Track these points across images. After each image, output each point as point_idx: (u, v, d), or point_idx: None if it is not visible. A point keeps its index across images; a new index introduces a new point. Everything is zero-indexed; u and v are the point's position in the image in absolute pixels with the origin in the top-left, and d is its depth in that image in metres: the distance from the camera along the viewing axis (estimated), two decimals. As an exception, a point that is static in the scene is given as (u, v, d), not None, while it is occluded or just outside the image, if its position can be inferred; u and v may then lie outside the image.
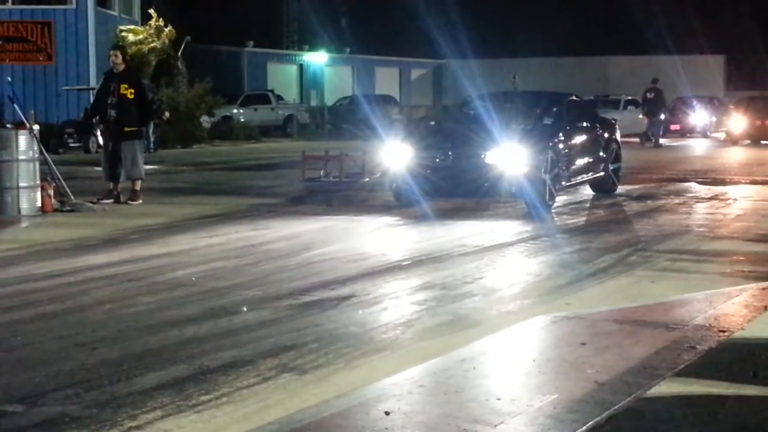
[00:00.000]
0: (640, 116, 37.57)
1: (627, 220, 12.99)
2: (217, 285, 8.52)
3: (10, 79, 16.86)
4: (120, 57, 15.44)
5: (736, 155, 27.07)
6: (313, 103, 53.18)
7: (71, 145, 30.76)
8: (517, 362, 6.11)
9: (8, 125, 14.94)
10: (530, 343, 6.66)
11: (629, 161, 18.33)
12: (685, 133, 38.79)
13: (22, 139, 13.84)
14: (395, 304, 7.84)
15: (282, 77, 54.05)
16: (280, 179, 19.39)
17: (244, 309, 7.53)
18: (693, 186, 17.64)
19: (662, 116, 33.81)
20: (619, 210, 14.27)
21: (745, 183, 17.96)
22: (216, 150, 33.27)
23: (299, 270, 9.27)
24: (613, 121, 17.36)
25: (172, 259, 10.01)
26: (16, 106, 15.17)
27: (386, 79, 59.71)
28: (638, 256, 9.94)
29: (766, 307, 7.54)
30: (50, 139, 26.95)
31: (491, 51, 50.93)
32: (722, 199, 15.32)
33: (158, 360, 6.05)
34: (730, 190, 16.59)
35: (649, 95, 33.35)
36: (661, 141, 33.42)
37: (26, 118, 14.38)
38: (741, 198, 15.44)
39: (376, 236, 11.91)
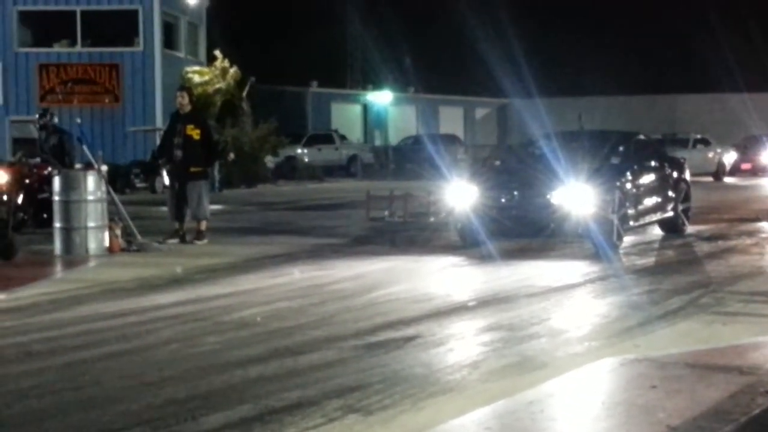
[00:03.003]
0: (709, 155, 37.16)
1: (697, 261, 12.78)
2: (282, 325, 8.51)
3: (79, 120, 17.08)
4: (186, 98, 15.59)
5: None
6: (377, 142, 53.35)
7: (138, 185, 31.16)
8: (586, 405, 5.99)
9: (78, 166, 15.14)
10: (599, 386, 6.54)
11: (699, 201, 18.08)
12: (757, 172, 38.25)
13: (91, 180, 14.01)
14: (461, 345, 7.76)
15: (346, 117, 54.33)
16: (344, 219, 19.42)
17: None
18: (766, 226, 17.32)
19: None
20: (689, 250, 14.05)
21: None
22: (280, 190, 33.47)
23: (364, 310, 9.23)
24: (682, 161, 17.14)
25: (238, 298, 10.02)
26: (85, 147, 15.37)
27: (450, 119, 59.72)
28: (709, 297, 9.74)
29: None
30: (117, 180, 27.32)
31: (556, 90, 50.81)
32: (795, 240, 15.02)
33: (224, 400, 6.03)
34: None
35: None
36: (729, 180, 32.89)
37: (94, 159, 14.57)
38: (815, 238, 15.13)
39: (441, 276, 11.84)
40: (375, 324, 8.48)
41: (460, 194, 14.17)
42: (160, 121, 34.25)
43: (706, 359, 7.07)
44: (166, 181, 18.85)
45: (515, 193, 13.74)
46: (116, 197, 14.91)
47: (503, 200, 13.75)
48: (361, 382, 6.47)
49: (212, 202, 17.23)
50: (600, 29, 59.22)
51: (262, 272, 11.96)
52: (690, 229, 16.10)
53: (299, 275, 11.72)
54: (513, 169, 15.28)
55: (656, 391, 6.16)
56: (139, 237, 14.46)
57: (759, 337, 7.81)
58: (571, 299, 9.98)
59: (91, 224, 13.88)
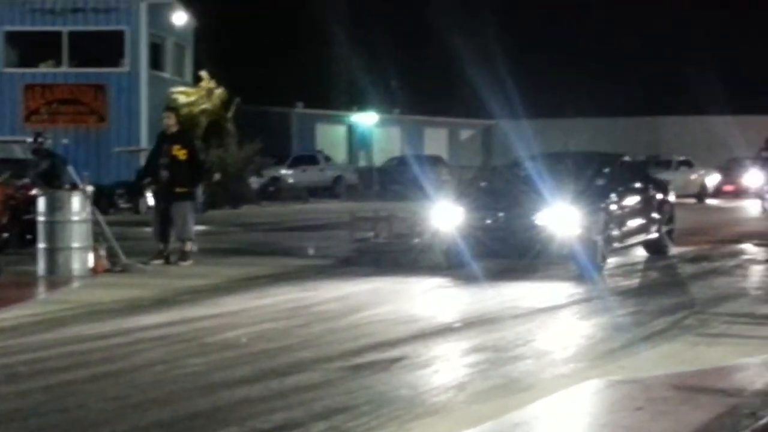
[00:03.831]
0: (692, 177, 37.28)
1: (681, 283, 12.83)
2: (267, 346, 8.49)
3: (66, 141, 17.09)
4: (173, 118, 15.59)
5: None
6: (362, 163, 53.39)
7: (122, 206, 31.07)
8: (572, 427, 6.00)
9: (66, 186, 15.10)
10: (584, 407, 6.55)
11: (682, 222, 18.14)
12: (740, 193, 38.39)
13: (76, 201, 13.97)
14: (447, 366, 7.77)
15: (331, 138, 54.38)
16: (329, 240, 19.39)
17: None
18: (748, 248, 17.39)
19: None
20: (673, 272, 14.10)
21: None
22: (264, 211, 33.42)
23: (349, 332, 9.23)
24: (667, 182, 17.21)
25: (223, 320, 10.00)
26: (70, 167, 15.34)
27: (435, 140, 59.84)
28: (693, 319, 9.77)
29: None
30: (101, 200, 27.23)
31: (541, 111, 50.96)
32: (779, 262, 15.08)
33: (210, 422, 6.02)
34: (786, 253, 16.33)
35: (764, 154, 31.78)
36: (712, 202, 32.96)
37: (80, 180, 14.53)
38: (798, 261, 15.19)
39: (426, 298, 11.85)
40: (360, 345, 8.48)
41: (445, 215, 14.19)
42: (145, 142, 34.21)
43: (692, 381, 7.08)
44: (150, 201, 18.81)
45: (500, 214, 13.77)
46: (101, 218, 14.87)
47: (488, 221, 13.77)
48: (348, 403, 6.46)
49: (196, 223, 17.17)
50: (585, 51, 59.49)
51: (247, 293, 11.94)
52: (674, 250, 16.15)
53: (284, 296, 11.69)
54: (498, 190, 15.32)
55: (642, 413, 6.17)
56: (123, 258, 14.42)
57: (743, 359, 7.83)
58: (556, 320, 10.00)
59: (75, 245, 13.83)
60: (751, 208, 31.10)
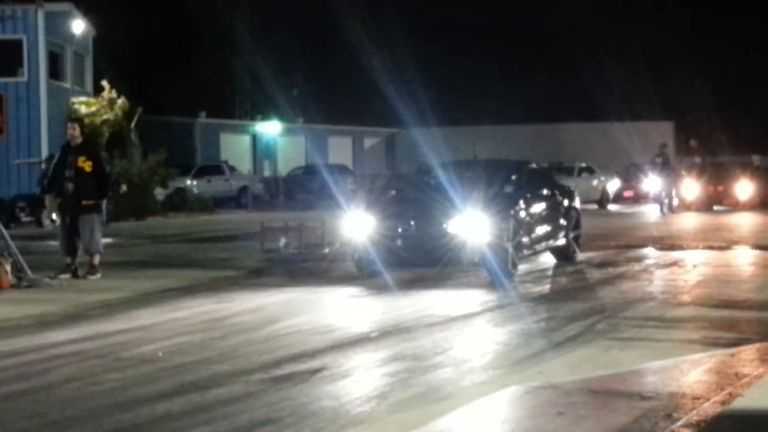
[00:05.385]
0: (594, 183, 37.93)
1: (590, 288, 13.04)
2: (184, 360, 8.41)
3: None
4: (78, 130, 15.35)
5: (691, 221, 27.35)
6: (267, 173, 53.19)
7: (23, 219, 30.43)
8: (496, 434, 6.06)
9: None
10: (507, 414, 6.63)
11: (586, 228, 18.40)
12: (639, 199, 39.21)
13: (-21, 214, 13.68)
14: (367, 376, 7.79)
15: (235, 148, 54.07)
16: (238, 251, 19.28)
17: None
18: (651, 252, 17.78)
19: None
20: (582, 277, 14.33)
21: (703, 249, 18.11)
22: (171, 222, 33.05)
23: (267, 343, 9.19)
24: (572, 189, 17.49)
25: (137, 334, 9.88)
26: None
27: (339, 149, 59.94)
28: (605, 323, 9.96)
29: (736, 374, 7.56)
30: (2, 214, 26.69)
31: (445, 119, 51.40)
32: (682, 266, 15.41)
33: (133, 439, 5.94)
34: (688, 256, 16.72)
35: (657, 160, 32.29)
36: (613, 207, 33.55)
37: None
38: (700, 264, 15.55)
39: (341, 308, 11.85)
40: (279, 357, 8.45)
41: (356, 224, 14.22)
42: (45, 153, 33.56)
43: (608, 385, 7.22)
44: (54, 216, 18.48)
45: (412, 222, 13.84)
46: (5, 231, 14.57)
47: (400, 230, 13.83)
48: (271, 416, 6.44)
49: (103, 236, 16.93)
50: (488, 60, 60.22)
51: (159, 306, 11.81)
52: (581, 256, 16.42)
53: (198, 308, 11.59)
54: (409, 198, 15.39)
55: (563, 417, 6.28)
56: (29, 272, 14.14)
57: (655, 362, 8.00)
58: (471, 328, 10.09)
59: (-21, 260, 13.53)
60: (651, 212, 31.80)
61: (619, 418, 6.24)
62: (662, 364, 7.92)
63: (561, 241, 15.89)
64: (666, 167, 31.70)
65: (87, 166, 15.02)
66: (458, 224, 13.49)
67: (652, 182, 34.19)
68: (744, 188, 35.20)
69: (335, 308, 11.78)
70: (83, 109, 36.30)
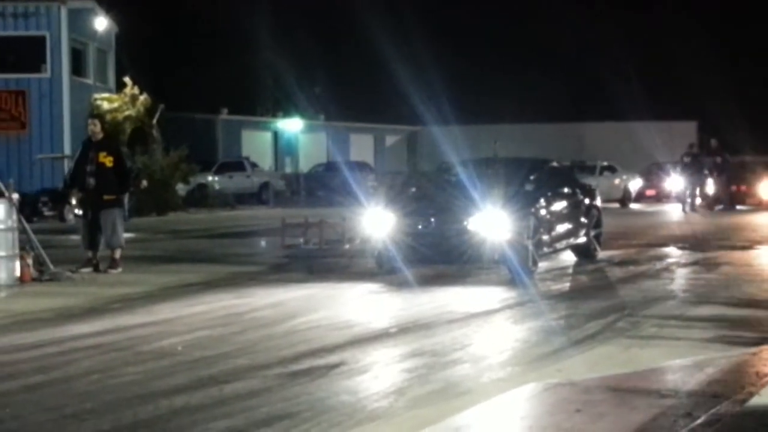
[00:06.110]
0: (616, 182, 37.82)
1: (611, 286, 12.99)
2: (204, 354, 8.43)
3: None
4: (99, 126, 15.44)
5: (713, 221, 27.21)
6: (288, 170, 53.27)
7: (46, 213, 30.61)
8: (513, 430, 6.05)
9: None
10: (525, 411, 6.61)
11: (608, 227, 18.37)
12: (661, 198, 39.08)
13: (1, 209, 13.75)
14: (385, 371, 7.78)
15: (257, 144, 54.18)
16: (259, 247, 19.36)
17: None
18: (673, 251, 17.70)
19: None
20: (602, 276, 14.28)
21: (725, 248, 18.01)
22: (192, 218, 33.18)
23: (286, 338, 9.20)
24: (593, 187, 17.43)
25: (156, 328, 9.91)
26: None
27: (361, 146, 59.97)
28: (625, 322, 9.91)
29: (757, 373, 7.52)
30: (25, 208, 26.77)
31: (466, 117, 51.31)
32: (704, 264, 15.35)
33: (151, 431, 5.95)
34: (710, 255, 16.63)
35: (686, 159, 32.06)
36: (636, 206, 33.47)
37: (5, 188, 14.30)
38: (722, 263, 15.47)
39: (360, 304, 11.86)
40: (298, 352, 8.46)
41: (376, 221, 14.22)
42: (68, 149, 33.75)
43: (627, 383, 7.19)
44: (76, 210, 18.56)
45: (432, 219, 13.83)
46: (27, 226, 14.65)
47: (420, 227, 13.83)
48: (288, 410, 6.44)
49: (124, 231, 16.98)
50: (510, 59, 60.10)
51: (179, 301, 11.85)
52: (601, 254, 16.36)
53: (218, 303, 11.60)
54: (429, 195, 15.36)
55: (581, 415, 6.25)
56: (51, 266, 14.22)
57: (675, 360, 7.97)
58: (490, 325, 10.07)
59: (1, 253, 13.62)
60: (673, 211, 31.67)
61: (637, 416, 6.21)
62: (682, 363, 7.88)
63: (582, 239, 15.84)
64: (691, 166, 31.51)
65: (108, 161, 15.10)
66: (478, 222, 13.47)
67: (675, 181, 34.07)
68: (768, 188, 35.00)
69: (355, 304, 11.79)
70: (105, 105, 36.49)
